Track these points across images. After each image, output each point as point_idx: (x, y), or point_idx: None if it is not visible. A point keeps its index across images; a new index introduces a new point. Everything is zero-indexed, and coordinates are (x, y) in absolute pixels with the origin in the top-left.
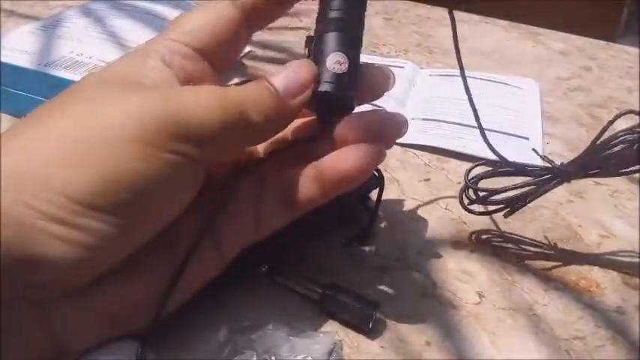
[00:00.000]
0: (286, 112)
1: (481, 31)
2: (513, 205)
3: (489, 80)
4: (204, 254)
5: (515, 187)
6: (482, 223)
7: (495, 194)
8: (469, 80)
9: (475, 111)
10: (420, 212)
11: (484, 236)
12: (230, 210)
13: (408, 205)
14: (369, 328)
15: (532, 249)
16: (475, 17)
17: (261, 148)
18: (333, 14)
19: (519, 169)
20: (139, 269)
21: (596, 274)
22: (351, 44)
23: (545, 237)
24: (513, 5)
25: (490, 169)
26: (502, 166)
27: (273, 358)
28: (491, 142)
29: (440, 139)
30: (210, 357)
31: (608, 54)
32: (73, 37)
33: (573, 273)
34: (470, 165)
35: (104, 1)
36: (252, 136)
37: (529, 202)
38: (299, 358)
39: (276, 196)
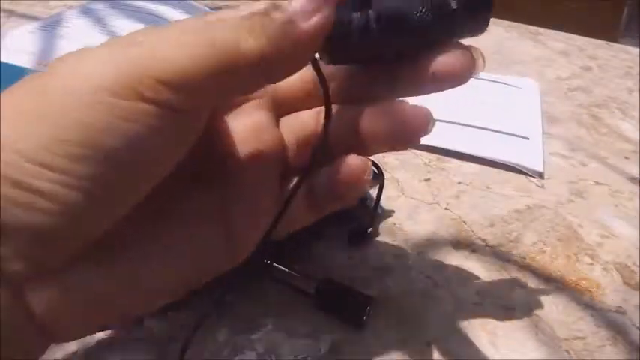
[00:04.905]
0: (295, 37)
1: None
2: None
3: (489, 80)
4: (217, 246)
5: None
6: (482, 222)
7: None
8: (469, 80)
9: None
10: (420, 212)
11: (485, 236)
12: (249, 205)
13: (408, 205)
14: (363, 321)
15: (532, 249)
16: None
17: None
18: None
19: None
20: (126, 248)
21: (596, 274)
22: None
23: (546, 237)
24: (513, 5)
25: None
26: None
27: (273, 357)
28: (490, 142)
29: (440, 139)
30: (210, 357)
31: (608, 54)
32: (73, 37)
33: (573, 273)
34: (470, 165)
35: (104, 1)
36: (250, 76)
37: None
38: (299, 358)
39: (305, 195)
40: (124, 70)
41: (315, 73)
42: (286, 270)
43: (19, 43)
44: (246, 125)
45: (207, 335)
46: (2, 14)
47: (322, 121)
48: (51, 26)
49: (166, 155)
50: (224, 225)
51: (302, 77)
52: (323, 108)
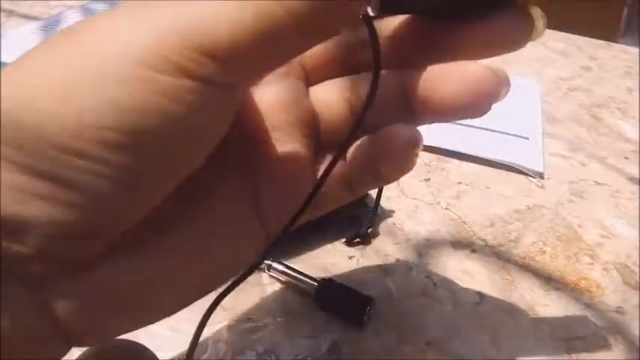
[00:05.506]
0: None
1: None
2: None
3: None
4: (250, 228)
5: None
6: (482, 222)
7: None
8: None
9: None
10: (420, 212)
11: (485, 236)
12: (280, 184)
13: (408, 205)
14: (363, 322)
15: (532, 249)
16: None
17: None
18: None
19: None
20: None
21: (596, 274)
22: None
23: (546, 237)
24: None
25: None
26: None
27: (273, 357)
28: (490, 142)
29: (440, 139)
30: (210, 357)
31: (608, 54)
32: None
33: (573, 273)
34: (470, 165)
35: (104, 1)
36: (296, 39)
37: None
38: (299, 358)
39: (340, 176)
40: (160, 39)
41: (348, 34)
42: (286, 270)
43: (19, 43)
44: (274, 96)
45: (207, 335)
46: (2, 14)
47: (359, 89)
48: (51, 26)
49: (209, 136)
50: (256, 204)
51: (331, 41)
52: (357, 76)
